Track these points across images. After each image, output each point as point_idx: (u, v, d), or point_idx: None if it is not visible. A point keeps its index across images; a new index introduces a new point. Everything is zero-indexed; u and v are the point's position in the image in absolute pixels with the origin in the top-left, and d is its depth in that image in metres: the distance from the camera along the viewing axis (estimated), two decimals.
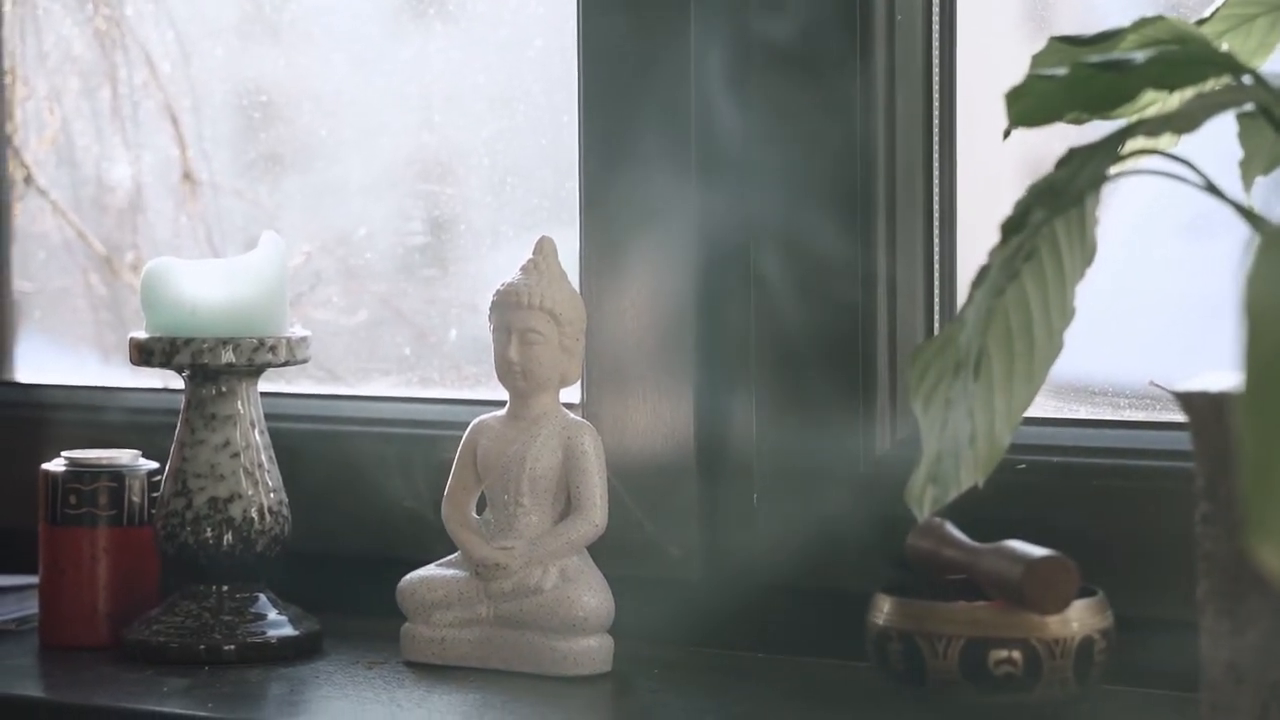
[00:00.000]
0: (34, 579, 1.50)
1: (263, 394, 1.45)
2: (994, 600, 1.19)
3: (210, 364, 1.40)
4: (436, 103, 1.64)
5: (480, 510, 1.38)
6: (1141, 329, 1.37)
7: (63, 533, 1.45)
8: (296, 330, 1.44)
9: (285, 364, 1.42)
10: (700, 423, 1.41)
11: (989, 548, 1.20)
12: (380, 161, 1.68)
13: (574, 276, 1.39)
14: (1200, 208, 1.28)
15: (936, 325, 1.37)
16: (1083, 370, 1.35)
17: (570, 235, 1.44)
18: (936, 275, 1.37)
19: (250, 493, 1.42)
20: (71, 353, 1.80)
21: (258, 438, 1.43)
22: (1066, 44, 1.07)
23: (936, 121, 1.36)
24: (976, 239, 1.36)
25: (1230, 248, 1.31)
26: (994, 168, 1.41)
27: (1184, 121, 0.99)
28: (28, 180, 1.79)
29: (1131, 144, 1.04)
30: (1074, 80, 1.04)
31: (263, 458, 1.43)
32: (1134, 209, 1.32)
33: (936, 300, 1.37)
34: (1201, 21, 1.11)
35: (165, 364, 1.41)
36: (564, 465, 1.34)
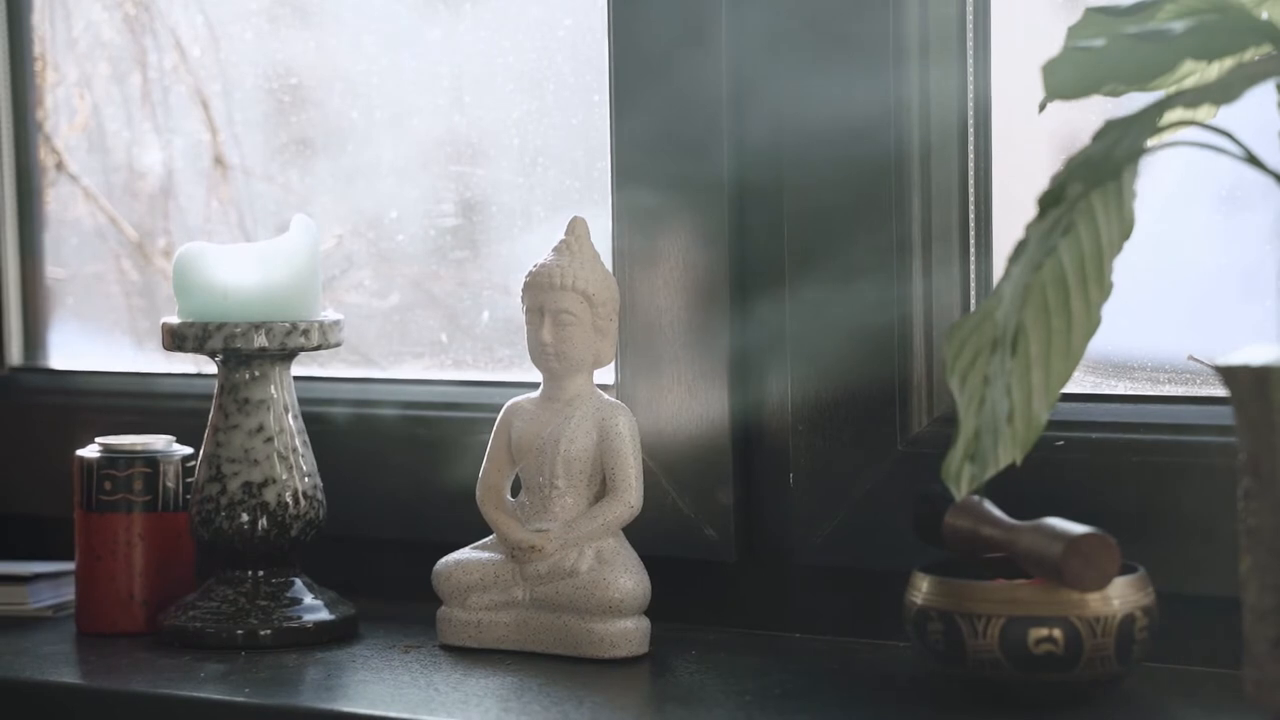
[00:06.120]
0: (70, 565, 1.50)
1: (296, 378, 1.44)
2: (1034, 578, 1.18)
3: (243, 348, 1.40)
4: (467, 84, 1.63)
5: (515, 493, 1.38)
6: (1178, 303, 1.36)
7: (98, 519, 1.45)
8: (329, 314, 1.44)
9: (318, 348, 1.42)
10: (735, 402, 1.40)
11: (1028, 525, 1.19)
12: (411, 144, 1.67)
13: (606, 257, 1.38)
14: (1238, 178, 1.27)
15: (973, 302, 1.36)
16: (1120, 345, 1.34)
17: (602, 215, 1.43)
18: (973, 251, 1.36)
19: (284, 477, 1.41)
20: (104, 339, 1.80)
21: (291, 422, 1.42)
22: (1104, 15, 1.06)
23: (971, 95, 1.35)
24: (1013, 213, 1.35)
25: (1268, 219, 1.30)
26: (1030, 141, 1.40)
27: (1223, 92, 0.98)
28: (59, 166, 1.79)
29: (1170, 115, 1.03)
30: (1112, 51, 1.03)
31: (296, 442, 1.42)
32: (1169, 181, 1.31)
33: (973, 277, 1.36)
34: None
35: (198, 349, 1.41)
36: (599, 447, 1.34)
